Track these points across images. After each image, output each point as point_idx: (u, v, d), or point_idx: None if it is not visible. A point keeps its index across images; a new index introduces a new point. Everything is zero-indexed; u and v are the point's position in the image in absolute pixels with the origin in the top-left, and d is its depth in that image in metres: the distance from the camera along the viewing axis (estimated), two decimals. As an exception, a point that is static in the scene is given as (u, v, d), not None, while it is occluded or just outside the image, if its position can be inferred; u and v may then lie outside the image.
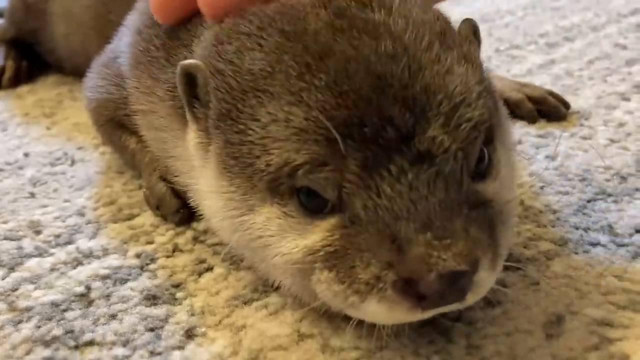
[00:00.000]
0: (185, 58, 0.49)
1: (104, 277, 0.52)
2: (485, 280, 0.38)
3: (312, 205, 0.40)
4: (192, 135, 0.48)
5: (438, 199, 0.37)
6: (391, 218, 0.37)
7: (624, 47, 0.92)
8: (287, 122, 0.39)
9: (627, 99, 0.76)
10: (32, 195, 0.66)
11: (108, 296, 0.50)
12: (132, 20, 0.63)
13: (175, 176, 0.55)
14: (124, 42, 0.62)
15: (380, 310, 0.38)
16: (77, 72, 0.89)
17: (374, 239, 0.37)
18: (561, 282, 0.48)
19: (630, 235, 0.52)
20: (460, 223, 0.37)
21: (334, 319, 0.46)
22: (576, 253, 0.50)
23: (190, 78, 0.46)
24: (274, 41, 0.42)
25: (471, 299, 0.38)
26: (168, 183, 0.59)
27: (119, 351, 0.45)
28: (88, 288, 0.51)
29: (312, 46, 0.40)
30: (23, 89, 0.97)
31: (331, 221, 0.40)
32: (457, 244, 0.36)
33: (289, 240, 0.41)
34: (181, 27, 0.52)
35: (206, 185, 0.47)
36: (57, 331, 0.47)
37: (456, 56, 0.41)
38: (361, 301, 0.38)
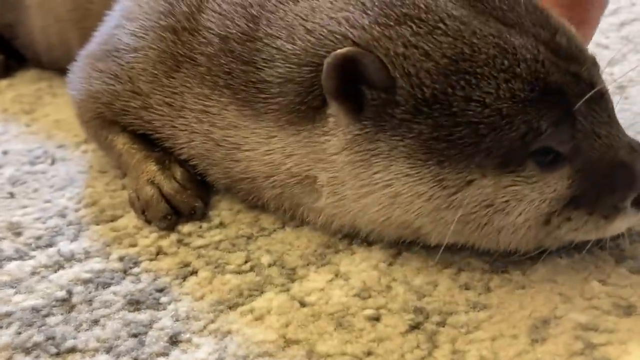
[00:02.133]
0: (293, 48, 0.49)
1: (86, 281, 0.52)
2: None
3: (545, 162, 0.46)
4: (342, 129, 0.48)
5: (619, 125, 0.49)
6: (613, 151, 0.47)
7: (606, 47, 0.93)
8: (514, 98, 0.45)
9: (610, 100, 0.77)
10: (12, 195, 0.64)
11: (90, 301, 0.50)
12: (148, 8, 0.59)
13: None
14: (128, 36, 0.59)
15: (621, 225, 0.48)
16: (56, 67, 0.87)
17: (609, 171, 0.47)
18: (546, 286, 0.48)
19: (614, 239, 0.52)
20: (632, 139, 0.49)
21: (321, 323, 0.46)
22: (561, 257, 0.51)
23: (346, 68, 0.46)
24: (453, 26, 0.46)
25: None
26: (157, 187, 0.58)
27: (102, 358, 0.44)
28: (69, 293, 0.50)
29: (487, 28, 0.46)
30: (1, 83, 0.95)
31: (565, 170, 0.47)
32: None
33: (530, 198, 0.47)
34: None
35: (385, 176, 0.48)
36: (38, 337, 0.46)
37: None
38: (610, 223, 0.48)
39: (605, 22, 1.03)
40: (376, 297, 0.48)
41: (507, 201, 0.47)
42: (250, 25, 0.52)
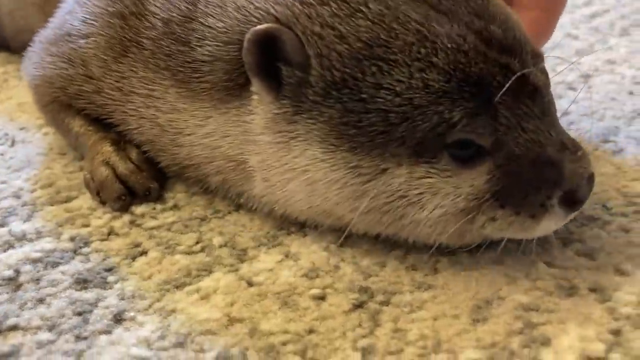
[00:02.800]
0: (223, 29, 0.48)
1: (35, 261, 0.51)
2: None
3: (463, 155, 0.45)
4: (264, 107, 0.47)
5: (555, 122, 0.47)
6: (539, 147, 0.45)
7: (576, 37, 0.93)
8: (427, 88, 0.43)
9: (574, 89, 0.77)
10: (-32, 176, 0.64)
11: (37, 280, 0.49)
12: None
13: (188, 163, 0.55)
14: (81, 17, 0.59)
15: (549, 225, 0.46)
16: (23, 50, 0.86)
17: (534, 168, 0.45)
18: (493, 268, 0.49)
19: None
20: (571, 136, 0.47)
21: (266, 302, 0.46)
22: (509, 240, 0.51)
23: (266, 45, 0.45)
24: (375, 9, 0.45)
25: None
26: (111, 168, 0.58)
27: (44, 336, 0.44)
28: (17, 272, 0.50)
29: (413, 14, 0.44)
30: (-31, 67, 0.94)
31: (485, 165, 0.45)
32: (584, 153, 0.46)
33: (445, 192, 0.45)
34: None
35: (302, 160, 0.47)
36: (-19, 315, 0.46)
37: (507, 7, 0.49)
38: (537, 222, 0.46)
39: (577, 13, 1.04)
40: (323, 277, 0.48)
41: (421, 193, 0.45)
42: (190, 7, 0.52)
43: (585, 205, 0.54)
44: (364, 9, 0.45)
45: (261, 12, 0.47)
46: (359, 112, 0.44)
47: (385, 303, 0.46)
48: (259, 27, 0.45)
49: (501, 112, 0.44)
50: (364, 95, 0.44)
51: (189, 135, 0.53)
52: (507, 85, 0.43)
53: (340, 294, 0.47)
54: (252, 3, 0.48)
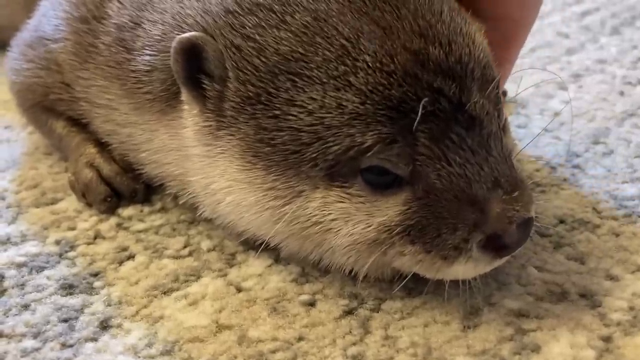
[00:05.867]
0: (159, 38, 0.46)
1: (20, 265, 0.50)
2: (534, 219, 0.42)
3: (378, 183, 0.41)
4: (193, 119, 0.45)
5: (495, 157, 0.41)
6: (465, 183, 0.40)
7: (566, 36, 0.93)
8: (340, 108, 0.40)
9: (565, 89, 0.77)
10: (-49, 177, 0.63)
11: (22, 285, 0.49)
12: None
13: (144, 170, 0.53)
14: (52, 21, 0.57)
15: (466, 269, 0.42)
16: (6, 48, 0.85)
17: (454, 205, 0.40)
18: (484, 273, 0.48)
19: (554, 226, 0.53)
20: (516, 175, 0.42)
21: (255, 308, 0.45)
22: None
23: (191, 53, 0.43)
24: (301, 20, 0.41)
25: None
26: (96, 170, 0.57)
27: (29, 343, 0.43)
28: (2, 277, 0.49)
29: (342, 28, 0.41)
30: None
31: (403, 195, 0.41)
32: (523, 194, 0.41)
33: (357, 220, 0.42)
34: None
35: (226, 179, 0.44)
36: (-36, 322, 0.45)
37: (468, 22, 0.44)
38: (449, 265, 0.41)
39: (568, 11, 1.04)
40: (313, 283, 0.48)
41: (334, 219, 0.42)
42: (138, 12, 0.49)
43: (577, 208, 0.54)
44: (289, 20, 0.41)
45: (191, 19, 0.45)
46: (271, 130, 0.41)
47: (376, 309, 0.45)
48: (183, 35, 0.43)
49: (421, 140, 0.40)
50: (277, 112, 0.41)
51: (145, 152, 0.51)
52: (420, 115, 0.39)
53: (330, 299, 0.46)
54: (185, 9, 0.46)
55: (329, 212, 0.42)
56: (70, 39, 0.55)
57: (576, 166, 0.61)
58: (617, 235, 0.52)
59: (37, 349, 0.43)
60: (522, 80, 0.59)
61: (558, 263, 0.49)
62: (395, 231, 0.41)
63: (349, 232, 0.42)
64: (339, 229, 0.42)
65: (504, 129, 0.44)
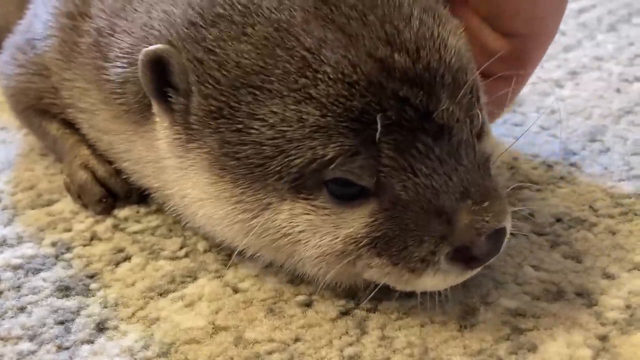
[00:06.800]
0: (128, 49, 0.45)
1: (16, 267, 0.50)
2: (509, 229, 0.41)
3: (344, 194, 0.40)
4: (164, 132, 0.45)
5: (465, 166, 0.40)
6: (432, 194, 0.39)
7: (563, 33, 0.93)
8: (301, 121, 0.39)
9: (561, 86, 0.77)
10: (-54, 179, 0.62)
11: (18, 287, 0.48)
12: None
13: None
14: (42, 18, 0.57)
15: (435, 281, 0.41)
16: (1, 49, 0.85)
17: (421, 217, 0.40)
18: (480, 272, 0.48)
19: (551, 224, 0.53)
20: (488, 184, 0.40)
21: (252, 309, 0.45)
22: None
23: (158, 66, 0.42)
24: (261, 32, 0.40)
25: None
26: (90, 171, 0.56)
27: (25, 346, 0.43)
28: (-3, 279, 0.49)
29: (305, 39, 0.39)
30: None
31: (369, 207, 0.41)
32: (494, 204, 0.39)
33: (324, 232, 0.41)
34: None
35: (198, 192, 0.44)
36: (-40, 326, 0.45)
37: (443, 23, 0.42)
38: (417, 277, 0.41)
39: (566, 7, 1.03)
40: (309, 283, 0.48)
41: (302, 231, 0.42)
42: (113, 19, 0.48)
43: (573, 207, 0.54)
44: (249, 32, 0.40)
45: (156, 31, 0.44)
46: (235, 144, 0.41)
47: (372, 310, 0.45)
48: (149, 48, 0.42)
49: (385, 151, 0.39)
50: (239, 126, 0.40)
51: (126, 162, 0.51)
52: (380, 125, 0.38)
53: (327, 300, 0.46)
54: (152, 21, 0.45)
55: (297, 224, 0.42)
56: (57, 36, 0.54)
57: (573, 164, 0.61)
58: (614, 233, 0.52)
59: (33, 352, 0.43)
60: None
61: (554, 262, 0.49)
62: (362, 243, 0.41)
63: (316, 244, 0.42)
64: (307, 240, 0.42)
65: (479, 134, 0.43)
